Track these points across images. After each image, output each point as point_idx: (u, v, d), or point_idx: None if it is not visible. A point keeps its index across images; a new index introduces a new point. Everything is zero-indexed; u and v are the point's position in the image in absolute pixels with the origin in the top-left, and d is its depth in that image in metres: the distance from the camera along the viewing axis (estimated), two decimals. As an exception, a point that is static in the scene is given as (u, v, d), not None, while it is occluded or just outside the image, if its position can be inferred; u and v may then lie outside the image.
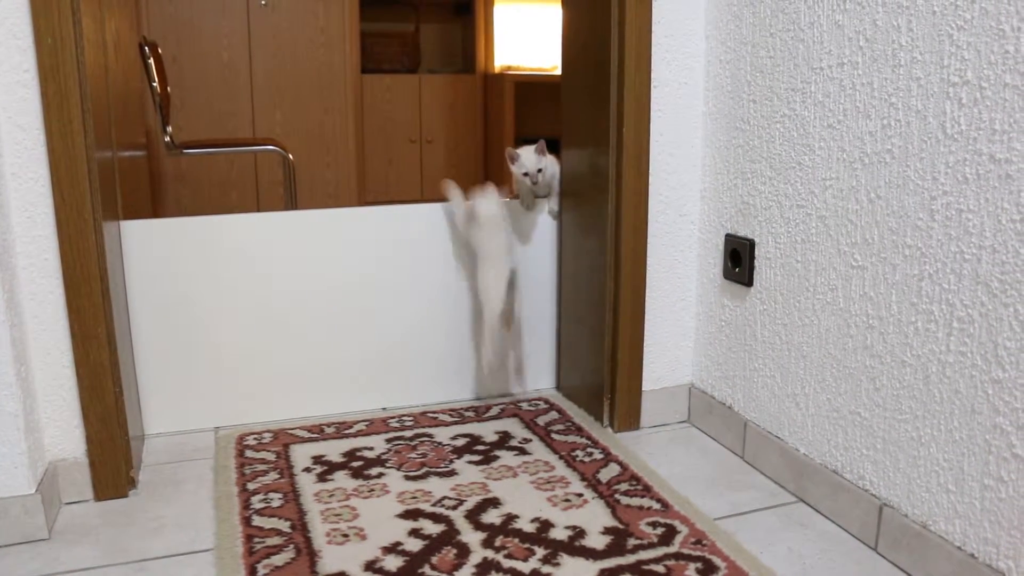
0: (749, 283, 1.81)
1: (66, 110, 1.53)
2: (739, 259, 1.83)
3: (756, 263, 1.79)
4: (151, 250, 1.93)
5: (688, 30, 1.90)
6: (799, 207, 1.65)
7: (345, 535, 1.53)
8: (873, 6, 1.43)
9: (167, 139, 3.08)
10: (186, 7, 4.08)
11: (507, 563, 1.43)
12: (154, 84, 2.99)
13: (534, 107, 4.95)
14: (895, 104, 1.40)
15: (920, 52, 1.34)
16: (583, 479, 1.74)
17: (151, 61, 2.98)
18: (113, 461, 1.70)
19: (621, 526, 1.55)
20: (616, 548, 1.48)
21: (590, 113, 1.99)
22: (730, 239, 1.86)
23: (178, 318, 1.97)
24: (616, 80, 1.87)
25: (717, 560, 1.44)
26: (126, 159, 2.21)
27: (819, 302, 1.61)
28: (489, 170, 4.73)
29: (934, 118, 1.32)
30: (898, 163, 1.40)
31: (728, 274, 1.88)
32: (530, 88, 4.81)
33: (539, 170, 2.11)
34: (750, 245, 1.79)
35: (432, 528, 1.55)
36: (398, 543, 1.50)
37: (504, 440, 1.93)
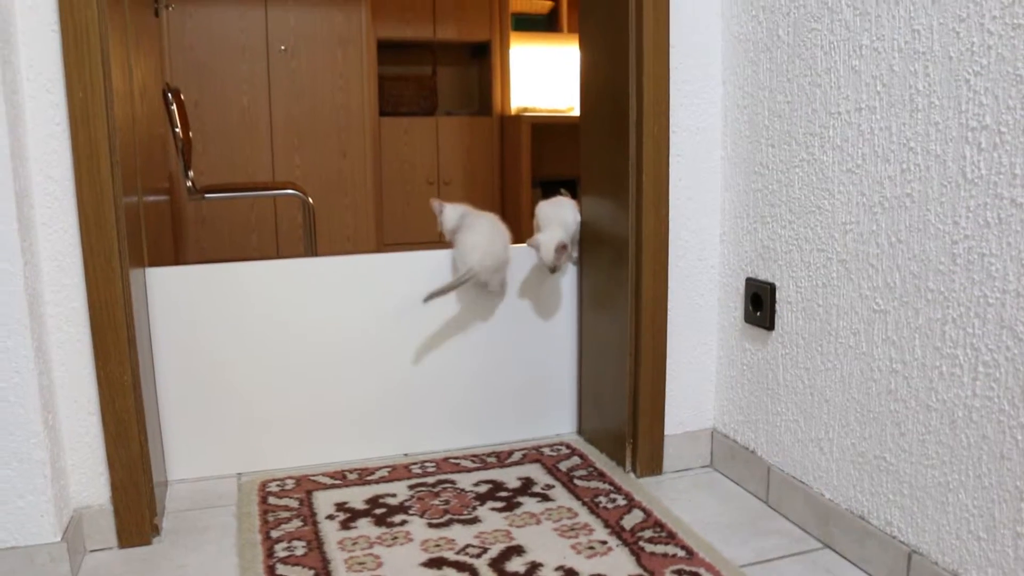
0: (770, 327, 1.81)
1: (95, 161, 1.56)
2: (760, 303, 1.83)
3: (777, 307, 1.79)
4: (175, 297, 1.95)
5: (705, 76, 1.92)
6: (820, 251, 1.65)
7: (369, 583, 1.53)
8: (889, 52, 1.44)
9: (189, 184, 3.12)
10: (207, 53, 4.15)
11: (532, 611, 1.43)
12: (177, 130, 3.03)
13: (551, 148, 4.99)
14: (914, 148, 1.41)
15: (938, 97, 1.35)
16: (607, 526, 1.74)
17: (174, 107, 3.02)
18: (137, 508, 1.70)
19: (646, 574, 1.54)
20: (641, 596, 1.47)
21: (609, 158, 2.00)
22: (751, 283, 1.87)
23: (200, 364, 1.99)
24: (635, 126, 1.89)
25: (744, 608, 1.43)
26: (150, 204, 2.24)
27: (841, 346, 1.61)
28: (507, 210, 4.75)
29: (953, 162, 1.33)
30: (918, 207, 1.40)
31: (749, 318, 1.88)
32: (546, 129, 4.86)
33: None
34: (771, 289, 1.79)
35: (456, 576, 1.55)
36: (422, 591, 1.50)
37: (527, 486, 1.93)
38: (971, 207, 1.30)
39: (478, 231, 2.04)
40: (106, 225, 1.58)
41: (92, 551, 1.69)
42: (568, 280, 2.22)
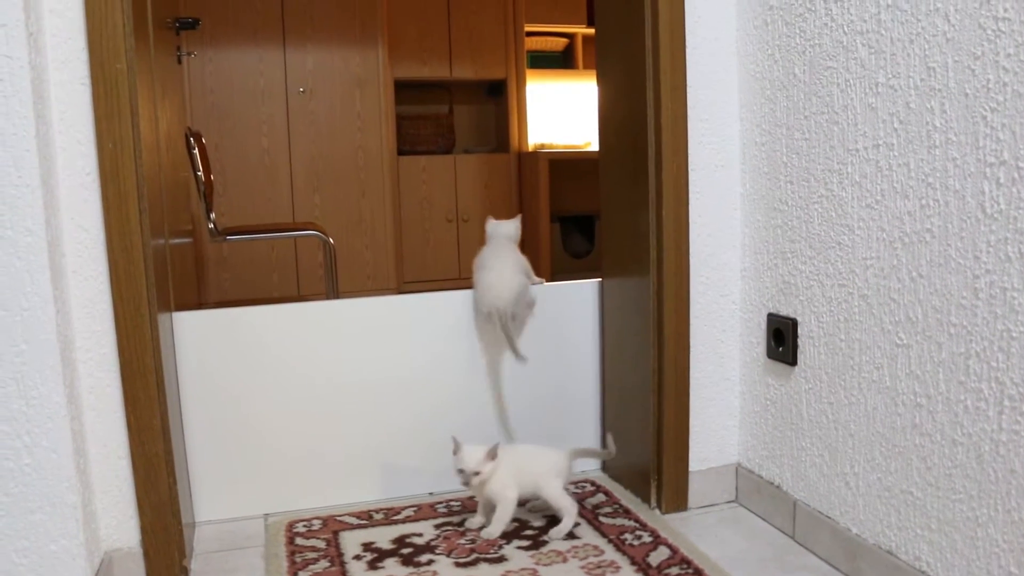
0: (793, 362, 1.81)
1: (124, 211, 1.59)
2: (782, 338, 1.84)
3: (799, 342, 1.80)
4: (201, 340, 1.97)
5: (723, 114, 1.94)
6: (841, 286, 1.66)
7: (398, 624, 1.54)
8: (906, 90, 1.46)
9: (211, 226, 3.15)
10: (227, 97, 4.21)
11: (561, 652, 1.43)
12: (199, 173, 3.08)
13: (568, 183, 5.03)
14: (932, 184, 1.42)
15: (955, 133, 1.36)
16: (633, 563, 1.73)
17: (196, 151, 3.07)
18: (167, 551, 1.71)
19: (674, 611, 1.54)
20: (670, 634, 1.47)
21: (628, 194, 2.02)
22: (772, 318, 1.87)
23: (227, 406, 2.01)
24: (654, 164, 1.91)
25: (774, 646, 1.43)
26: (175, 247, 2.27)
27: (865, 380, 1.61)
28: (526, 246, 4.77)
29: (972, 198, 1.34)
30: (939, 242, 1.41)
31: (772, 353, 1.88)
32: (564, 165, 4.89)
33: (476, 473, 1.85)
34: (793, 324, 1.80)
35: (484, 616, 1.55)
36: (451, 632, 1.50)
37: (552, 524, 1.93)
38: (991, 242, 1.31)
39: (488, 268, 2.08)
40: (135, 272, 1.61)
41: (122, 594, 1.71)
42: (590, 318, 2.23)
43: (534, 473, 1.89)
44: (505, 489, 1.87)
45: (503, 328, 2.04)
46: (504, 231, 2.19)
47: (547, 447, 1.97)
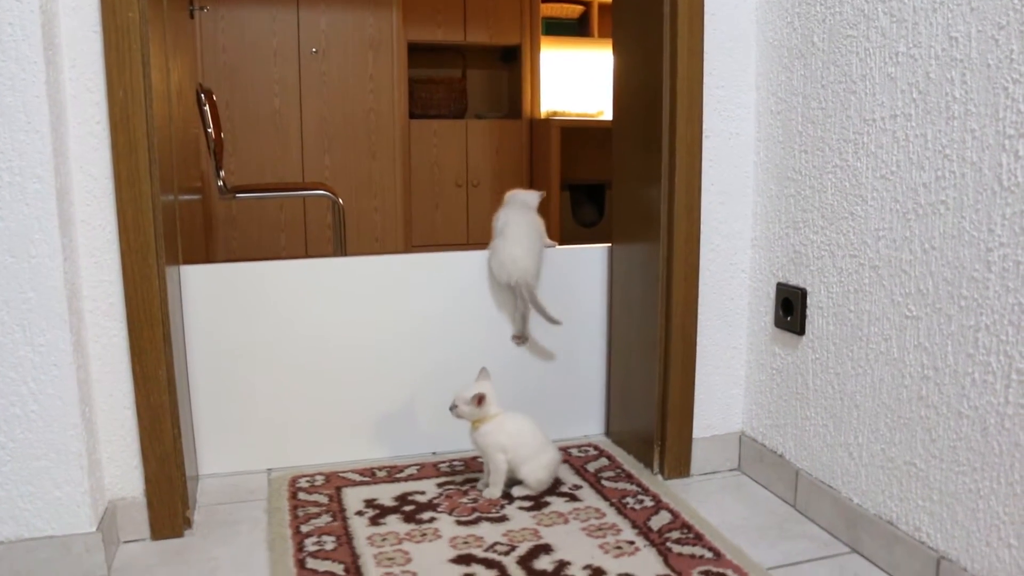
0: (801, 332, 1.81)
1: (134, 160, 1.58)
2: (791, 308, 1.83)
3: (808, 312, 1.79)
4: (208, 294, 1.97)
5: (739, 82, 1.92)
6: (852, 257, 1.65)
7: (398, 579, 1.55)
8: (926, 59, 1.44)
9: (220, 183, 3.15)
10: (239, 55, 4.19)
11: (560, 611, 1.44)
12: (209, 130, 3.07)
13: (579, 152, 5.00)
14: (949, 156, 1.40)
15: (975, 105, 1.35)
16: (634, 526, 1.74)
17: (206, 108, 3.06)
18: (170, 501, 1.72)
19: (674, 574, 1.55)
20: (669, 598, 1.48)
21: (641, 161, 2.01)
22: (782, 288, 1.87)
23: (232, 360, 2.01)
24: (668, 131, 1.89)
25: (771, 612, 1.43)
26: (184, 203, 2.27)
27: (872, 352, 1.61)
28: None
29: (989, 170, 1.33)
30: (953, 214, 1.40)
31: (779, 323, 1.88)
32: (575, 133, 4.86)
33: (454, 406, 1.88)
34: (802, 294, 1.79)
35: (485, 574, 1.55)
36: (451, 588, 1.51)
37: (555, 486, 1.94)
38: (1007, 215, 1.30)
39: (511, 239, 2.07)
40: (144, 222, 1.61)
41: (125, 542, 1.72)
42: (598, 283, 2.23)
43: (523, 457, 1.89)
44: (495, 452, 1.87)
45: (531, 300, 2.04)
46: (524, 198, 2.17)
47: (549, 444, 1.94)
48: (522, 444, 1.89)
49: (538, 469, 1.88)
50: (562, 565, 1.58)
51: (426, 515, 1.80)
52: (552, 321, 2.08)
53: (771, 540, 1.72)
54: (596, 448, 2.18)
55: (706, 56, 1.88)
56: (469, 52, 5.07)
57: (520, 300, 2.09)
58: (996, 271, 1.32)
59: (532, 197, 2.19)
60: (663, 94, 1.89)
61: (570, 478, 1.99)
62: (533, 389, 2.21)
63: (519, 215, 2.11)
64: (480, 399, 1.85)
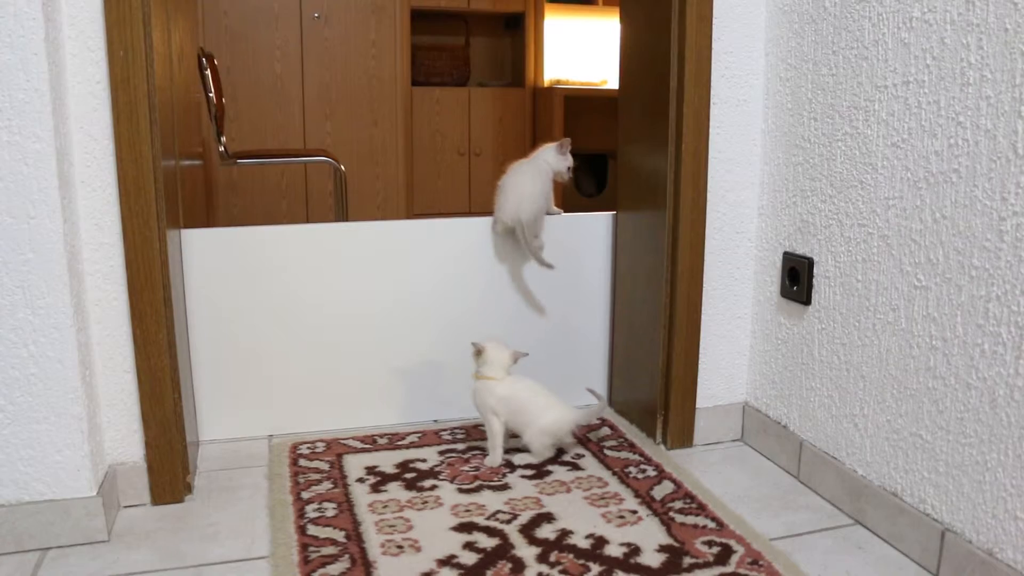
0: (807, 302, 1.79)
1: (135, 120, 1.56)
2: (797, 277, 1.82)
3: (815, 282, 1.77)
4: (209, 258, 1.95)
5: (748, 48, 1.90)
6: (860, 226, 1.63)
7: (400, 546, 1.54)
8: (941, 24, 1.41)
9: (221, 149, 3.12)
10: (241, 20, 4.14)
11: (562, 579, 1.43)
12: (210, 95, 3.04)
13: (583, 121, 4.95)
14: (963, 123, 1.38)
15: (991, 71, 1.32)
16: (637, 496, 1.73)
17: (208, 72, 3.02)
18: (171, 466, 1.72)
19: (676, 544, 1.54)
20: (672, 566, 1.47)
21: (648, 128, 1.98)
22: (788, 257, 1.85)
23: (233, 326, 2.00)
24: (675, 97, 1.86)
25: (774, 581, 1.43)
26: (185, 167, 2.25)
27: (880, 322, 1.59)
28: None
29: (1004, 138, 1.30)
30: (965, 183, 1.38)
31: (785, 292, 1.86)
32: (579, 102, 4.81)
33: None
34: (809, 264, 1.78)
35: (487, 542, 1.55)
36: (453, 556, 1.50)
37: (557, 455, 1.93)
38: (1021, 183, 1.28)
39: (513, 184, 2.06)
40: (144, 184, 1.59)
41: (126, 507, 1.71)
42: (602, 251, 2.21)
43: (523, 424, 1.88)
44: (490, 415, 1.87)
45: (526, 240, 2.03)
46: (546, 156, 2.12)
47: (555, 401, 1.92)
48: (519, 411, 1.87)
49: (537, 435, 1.88)
50: (564, 534, 1.58)
51: (427, 483, 1.79)
52: (544, 264, 2.07)
53: (774, 511, 1.71)
54: (599, 418, 2.17)
55: (715, 21, 1.85)
56: (472, 19, 5.01)
57: (524, 241, 2.05)
58: (1009, 240, 1.30)
59: (550, 154, 2.12)
60: (671, 60, 1.86)
61: (573, 447, 1.98)
62: (536, 358, 2.19)
63: (533, 166, 2.09)
64: (479, 351, 1.86)
